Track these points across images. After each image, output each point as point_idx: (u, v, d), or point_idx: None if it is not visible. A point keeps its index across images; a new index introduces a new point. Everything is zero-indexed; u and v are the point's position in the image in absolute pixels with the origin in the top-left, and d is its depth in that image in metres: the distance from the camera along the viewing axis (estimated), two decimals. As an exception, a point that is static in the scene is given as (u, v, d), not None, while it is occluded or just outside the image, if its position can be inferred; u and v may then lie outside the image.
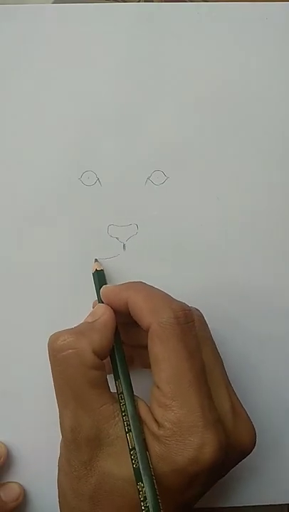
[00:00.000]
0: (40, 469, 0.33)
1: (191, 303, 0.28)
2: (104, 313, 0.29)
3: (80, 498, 0.26)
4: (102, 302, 0.30)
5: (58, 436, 0.33)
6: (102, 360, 0.27)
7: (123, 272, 0.33)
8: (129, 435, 0.25)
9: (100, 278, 0.32)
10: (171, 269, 0.34)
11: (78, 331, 0.28)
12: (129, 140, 0.34)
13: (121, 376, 0.28)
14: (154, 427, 0.26)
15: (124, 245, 0.34)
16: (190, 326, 0.27)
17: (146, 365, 0.29)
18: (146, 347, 0.27)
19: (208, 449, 0.24)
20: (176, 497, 0.25)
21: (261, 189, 0.34)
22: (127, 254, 0.33)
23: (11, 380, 0.33)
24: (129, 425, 0.26)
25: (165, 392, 0.25)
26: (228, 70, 0.34)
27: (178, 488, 0.25)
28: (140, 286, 0.29)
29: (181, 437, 0.25)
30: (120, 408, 0.26)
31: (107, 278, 0.32)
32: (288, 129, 0.34)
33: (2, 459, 0.33)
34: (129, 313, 0.28)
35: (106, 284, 0.31)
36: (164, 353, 0.26)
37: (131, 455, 0.25)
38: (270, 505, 0.35)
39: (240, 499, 0.35)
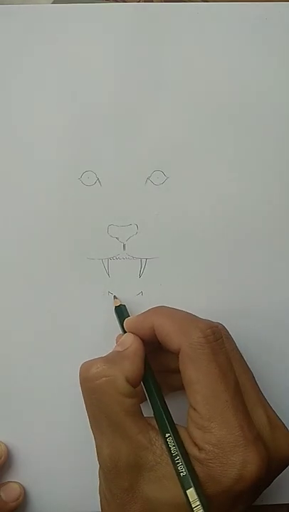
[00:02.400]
0: (40, 469, 0.33)
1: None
2: (133, 342, 0.29)
3: None
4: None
5: (58, 436, 0.33)
6: (134, 388, 0.27)
7: (123, 272, 0.33)
8: (177, 459, 0.25)
9: (121, 312, 0.32)
10: (171, 269, 0.34)
11: (110, 360, 0.28)
12: (129, 140, 0.34)
13: (158, 402, 0.28)
14: (195, 451, 0.25)
15: (124, 245, 0.34)
16: (219, 343, 0.27)
17: (175, 388, 0.30)
18: (173, 371, 0.28)
19: (251, 467, 0.24)
20: None
21: (261, 189, 0.34)
22: (127, 254, 0.33)
23: (11, 380, 0.33)
24: (176, 450, 0.26)
25: (202, 414, 0.25)
26: (228, 70, 0.34)
27: (223, 509, 0.25)
28: (163, 310, 0.29)
29: (224, 458, 0.25)
30: (161, 433, 0.26)
31: (107, 277, 0.32)
32: (288, 129, 0.34)
33: (2, 458, 0.33)
34: (155, 340, 0.28)
35: (128, 316, 0.32)
36: (198, 374, 0.26)
37: (179, 471, 0.25)
38: (271, 504, 0.35)
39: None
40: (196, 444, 0.26)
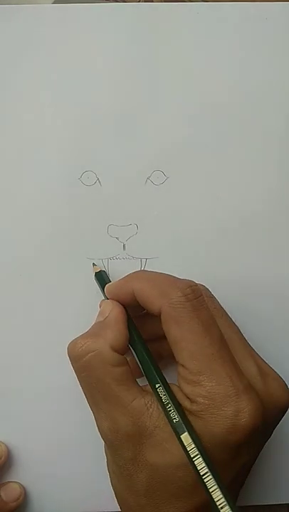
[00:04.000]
0: (40, 469, 0.33)
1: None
2: (113, 308, 0.29)
3: (136, 495, 0.26)
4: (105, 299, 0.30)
5: (58, 436, 0.33)
6: (122, 354, 0.27)
7: (123, 272, 0.33)
8: (168, 407, 0.26)
9: (102, 278, 0.32)
10: (171, 269, 0.34)
11: (92, 333, 0.28)
12: (129, 140, 0.34)
13: (146, 357, 0.28)
14: (187, 403, 0.26)
15: (124, 245, 0.34)
16: (200, 300, 0.27)
17: (166, 355, 0.30)
18: (162, 337, 0.27)
19: (245, 415, 0.24)
20: (224, 472, 0.25)
21: (261, 189, 0.34)
22: (127, 254, 0.33)
23: (11, 380, 0.33)
24: (167, 399, 0.26)
25: (191, 369, 0.25)
26: (228, 70, 0.34)
27: (223, 462, 0.25)
28: (142, 273, 0.30)
29: (216, 409, 0.25)
30: (152, 386, 0.27)
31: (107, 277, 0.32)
32: (288, 129, 0.34)
33: (2, 458, 0.33)
34: (138, 303, 0.28)
35: (109, 281, 0.31)
36: (181, 332, 0.26)
37: (172, 419, 0.25)
38: (271, 505, 0.35)
39: (240, 499, 0.35)
40: (188, 398, 0.26)
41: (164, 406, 0.26)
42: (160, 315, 0.27)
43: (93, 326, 0.29)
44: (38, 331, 0.33)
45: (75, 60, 0.34)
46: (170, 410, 0.25)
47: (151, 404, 0.26)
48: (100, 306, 0.31)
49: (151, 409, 0.26)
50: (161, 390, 0.26)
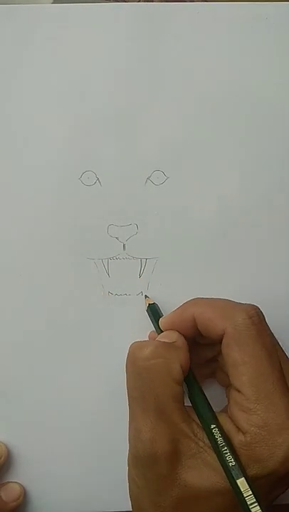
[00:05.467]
0: (40, 469, 0.33)
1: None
2: (180, 336, 0.28)
3: (162, 510, 0.26)
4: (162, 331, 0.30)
5: (58, 436, 0.33)
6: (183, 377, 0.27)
7: (123, 272, 0.33)
8: (224, 450, 0.25)
9: (155, 310, 0.32)
10: (171, 269, 0.34)
11: (164, 345, 0.28)
12: (129, 140, 0.34)
13: (200, 394, 0.28)
14: (239, 436, 0.25)
15: (124, 245, 0.34)
16: (264, 325, 0.27)
17: (206, 376, 0.30)
18: (204, 361, 0.28)
19: None
20: (264, 499, 0.25)
21: (261, 189, 0.34)
22: (127, 254, 0.33)
23: (11, 380, 0.33)
24: (222, 441, 0.25)
25: (248, 396, 0.25)
26: (228, 70, 0.34)
27: (265, 491, 0.25)
28: (200, 299, 0.29)
29: (270, 441, 0.24)
30: (205, 425, 0.26)
31: (107, 277, 0.32)
32: (288, 129, 0.34)
33: (2, 458, 0.33)
34: (191, 334, 0.28)
35: (162, 314, 0.31)
36: (243, 356, 0.26)
37: (227, 462, 0.25)
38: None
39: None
40: (239, 429, 0.25)
41: (218, 448, 0.25)
42: (221, 338, 0.26)
43: (159, 342, 0.28)
44: (38, 331, 0.33)
45: (75, 60, 0.34)
46: (226, 453, 0.25)
47: (198, 433, 0.26)
48: (149, 337, 0.31)
49: (197, 438, 0.26)
50: (216, 432, 0.26)
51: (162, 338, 0.29)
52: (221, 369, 0.30)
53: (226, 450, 0.25)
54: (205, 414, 0.27)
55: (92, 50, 0.34)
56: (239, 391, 0.26)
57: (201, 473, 0.25)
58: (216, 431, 0.26)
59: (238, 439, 0.25)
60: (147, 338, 0.32)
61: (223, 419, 0.26)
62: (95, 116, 0.34)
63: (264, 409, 0.25)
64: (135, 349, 0.27)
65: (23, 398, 0.33)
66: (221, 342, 0.27)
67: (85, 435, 0.33)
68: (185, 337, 0.29)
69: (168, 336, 0.29)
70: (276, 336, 0.28)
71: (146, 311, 0.32)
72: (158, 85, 0.34)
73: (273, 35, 0.34)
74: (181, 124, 0.34)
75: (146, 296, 0.33)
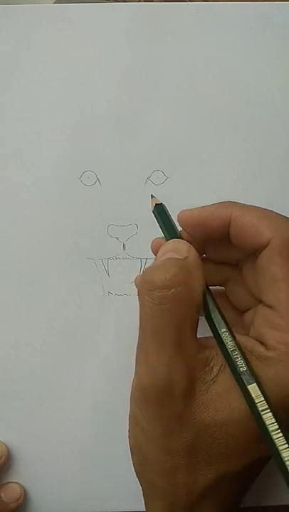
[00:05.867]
0: (40, 469, 0.33)
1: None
2: (190, 249, 0.25)
3: (173, 455, 0.24)
4: (172, 237, 0.26)
5: (58, 437, 0.33)
6: None
7: (123, 272, 0.33)
8: (235, 354, 0.23)
9: (163, 213, 0.28)
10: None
11: (178, 267, 0.24)
12: (129, 140, 0.34)
13: (214, 305, 0.25)
14: (261, 349, 0.23)
15: (124, 245, 0.33)
16: None
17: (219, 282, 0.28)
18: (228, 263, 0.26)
19: None
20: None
21: (261, 189, 0.34)
22: (127, 254, 0.33)
23: (10, 381, 0.33)
24: (233, 345, 0.23)
25: (282, 313, 0.23)
26: (228, 70, 0.34)
27: (281, 415, 0.23)
28: (238, 203, 0.26)
29: None
30: (218, 341, 0.24)
31: (107, 277, 0.32)
32: (288, 129, 0.34)
33: (3, 459, 0.33)
34: (215, 238, 0.26)
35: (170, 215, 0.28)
36: (286, 271, 0.23)
37: (238, 366, 0.23)
38: (270, 506, 0.34)
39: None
40: (264, 344, 0.23)
41: (228, 354, 0.23)
42: (261, 249, 0.24)
43: (170, 261, 0.24)
44: (38, 331, 0.33)
45: (75, 60, 0.34)
46: (236, 358, 0.23)
47: (213, 357, 0.24)
48: (152, 246, 0.28)
49: (212, 363, 0.24)
50: (226, 336, 0.24)
51: (171, 253, 0.25)
52: (238, 291, 0.28)
53: (236, 355, 0.23)
54: (215, 319, 0.24)
55: (92, 49, 0.34)
56: (272, 308, 0.23)
57: (215, 406, 0.23)
58: (225, 335, 0.24)
59: (261, 352, 0.23)
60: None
61: (243, 338, 0.24)
62: (95, 116, 0.34)
63: None
64: (151, 275, 0.24)
65: (23, 398, 0.33)
66: (254, 254, 0.24)
67: (85, 435, 0.33)
68: (197, 248, 0.25)
69: (177, 249, 0.25)
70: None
71: (153, 212, 0.28)
72: (158, 85, 0.34)
73: (273, 35, 0.34)
74: (181, 124, 0.34)
75: (152, 196, 0.29)
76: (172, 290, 0.23)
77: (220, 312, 0.25)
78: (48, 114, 0.34)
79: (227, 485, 0.24)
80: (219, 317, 0.24)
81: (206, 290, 0.25)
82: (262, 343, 0.24)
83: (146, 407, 0.24)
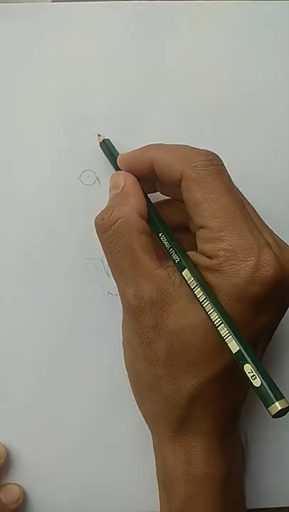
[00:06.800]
0: (40, 470, 0.33)
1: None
2: (126, 177, 0.29)
3: (155, 365, 0.26)
4: (116, 170, 0.30)
5: (58, 438, 0.33)
6: (145, 220, 0.28)
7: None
8: (170, 250, 0.27)
9: (108, 149, 0.32)
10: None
11: (115, 203, 0.28)
12: (129, 140, 0.34)
13: (163, 230, 0.28)
14: (206, 261, 0.26)
15: (124, 245, 0.33)
16: (222, 167, 0.27)
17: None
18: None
19: (266, 267, 0.24)
20: (242, 331, 0.24)
21: (261, 189, 0.34)
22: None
23: (10, 381, 0.33)
24: (171, 248, 0.27)
25: (212, 227, 0.25)
26: (228, 70, 0.34)
27: (242, 319, 0.25)
28: (161, 145, 0.29)
29: (236, 260, 0.25)
30: (172, 259, 0.27)
31: (107, 277, 0.32)
32: (288, 129, 0.34)
33: (2, 460, 0.33)
34: (150, 176, 0.29)
35: (117, 152, 0.31)
36: (204, 193, 0.26)
37: (174, 260, 0.26)
38: (270, 508, 0.34)
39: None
40: (206, 256, 0.26)
41: (167, 251, 0.27)
42: (179, 181, 0.27)
43: (112, 199, 0.29)
44: (37, 331, 0.33)
45: (74, 59, 0.34)
46: (172, 253, 0.27)
47: (173, 273, 0.27)
48: (111, 180, 0.31)
49: (173, 278, 0.26)
50: (163, 238, 0.27)
51: (112, 189, 0.30)
52: (192, 226, 0.30)
53: (171, 251, 0.27)
54: (153, 225, 0.28)
55: (92, 48, 0.34)
56: (203, 227, 0.26)
57: (183, 313, 0.26)
58: (163, 237, 0.28)
59: (205, 264, 0.26)
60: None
61: (191, 253, 0.27)
62: (95, 116, 0.34)
63: (228, 235, 0.25)
64: (96, 222, 0.28)
65: (23, 398, 0.33)
66: (180, 187, 0.27)
67: (85, 436, 0.33)
68: (145, 181, 0.29)
69: (115, 184, 0.29)
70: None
71: (101, 146, 0.32)
72: (158, 84, 0.34)
73: (273, 34, 0.34)
74: (181, 124, 0.34)
75: (98, 135, 0.33)
76: (113, 227, 0.27)
77: (162, 224, 0.28)
78: (48, 113, 0.34)
79: (210, 391, 0.26)
80: (155, 220, 0.28)
81: (151, 210, 0.29)
82: (204, 255, 0.26)
83: (128, 323, 0.27)
